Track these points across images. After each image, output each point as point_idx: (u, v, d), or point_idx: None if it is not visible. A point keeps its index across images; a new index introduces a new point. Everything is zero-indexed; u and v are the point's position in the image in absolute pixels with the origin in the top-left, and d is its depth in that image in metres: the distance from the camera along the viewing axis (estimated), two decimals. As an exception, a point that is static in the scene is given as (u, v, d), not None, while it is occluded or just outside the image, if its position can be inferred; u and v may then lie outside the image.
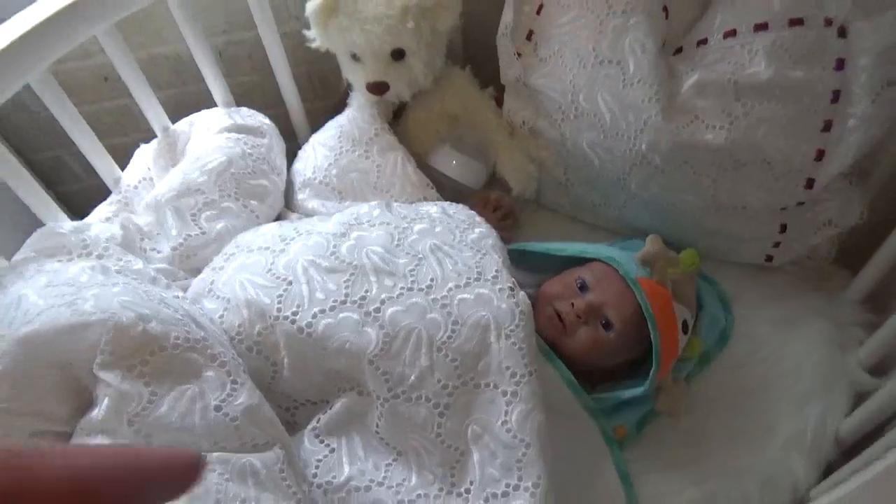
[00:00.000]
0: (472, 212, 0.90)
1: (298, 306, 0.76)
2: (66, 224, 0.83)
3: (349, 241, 0.81)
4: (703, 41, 0.91)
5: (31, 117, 1.22)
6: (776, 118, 0.85)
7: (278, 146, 1.05)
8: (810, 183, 0.88)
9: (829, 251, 1.01)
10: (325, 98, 1.31)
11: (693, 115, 0.89)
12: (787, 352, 0.95)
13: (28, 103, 1.20)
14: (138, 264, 0.77)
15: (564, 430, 0.83)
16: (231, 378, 0.67)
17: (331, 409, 0.76)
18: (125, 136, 1.22)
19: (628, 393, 0.87)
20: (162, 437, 0.61)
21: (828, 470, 0.86)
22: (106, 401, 0.61)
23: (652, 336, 0.83)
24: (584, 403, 0.85)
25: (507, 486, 0.70)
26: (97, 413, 0.61)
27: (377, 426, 0.75)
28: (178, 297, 0.75)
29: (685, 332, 0.90)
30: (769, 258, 1.01)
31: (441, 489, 0.72)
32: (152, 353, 0.63)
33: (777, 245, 0.98)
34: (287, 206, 1.05)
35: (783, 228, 0.96)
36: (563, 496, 0.76)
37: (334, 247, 0.80)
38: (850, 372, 0.91)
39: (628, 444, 0.88)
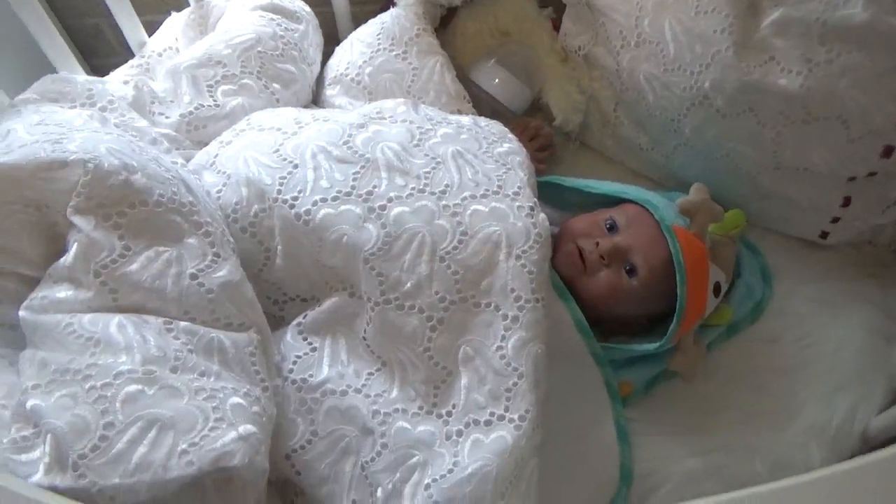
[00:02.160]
0: (505, 128, 0.83)
1: (300, 191, 0.70)
2: (80, 76, 0.79)
3: (366, 133, 0.75)
4: (795, -26, 0.80)
5: (73, -22, 1.19)
6: (863, 70, 0.75)
7: (314, 37, 0.99)
8: (888, 151, 0.78)
9: (894, 237, 0.91)
10: (376, 2, 1.23)
11: (768, 56, 0.79)
12: (825, 335, 0.87)
13: (72, -36, 1.17)
14: (142, 123, 0.72)
15: (566, 373, 0.77)
16: (214, 250, 0.62)
17: (319, 306, 0.71)
18: (166, 15, 1.17)
19: (642, 348, 0.80)
20: (129, 295, 0.57)
21: (848, 467, 0.79)
22: (75, 247, 0.57)
23: (679, 288, 0.76)
24: (592, 349, 0.79)
25: (492, 415, 0.64)
26: (65, 259, 0.57)
27: (365, 332, 0.70)
28: (175, 162, 0.71)
29: (716, 294, 0.83)
30: (824, 234, 0.91)
31: (421, 408, 0.67)
32: (132, 206, 0.59)
33: (836, 220, 0.89)
34: (315, 103, 1.00)
35: (846, 202, 0.86)
36: (553, 442, 0.71)
37: (349, 136, 0.74)
38: (893, 366, 0.83)
39: (633, 402, 0.83)
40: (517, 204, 0.70)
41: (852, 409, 0.81)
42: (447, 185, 0.71)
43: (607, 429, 0.78)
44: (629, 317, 0.85)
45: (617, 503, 0.74)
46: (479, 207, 0.70)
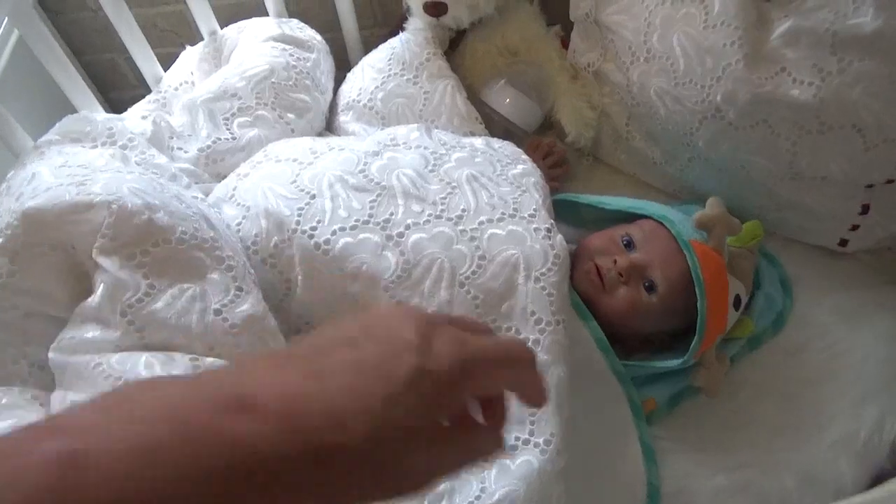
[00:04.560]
0: (519, 149, 0.83)
1: (318, 221, 0.71)
2: (100, 115, 0.81)
3: (381, 161, 0.75)
4: (804, -15, 0.80)
5: (89, 16, 1.21)
6: (876, 78, 0.75)
7: (326, 64, 1.00)
8: (906, 157, 0.78)
9: (914, 243, 0.91)
10: (385, 25, 1.24)
11: (780, 67, 0.79)
12: (849, 345, 0.86)
13: (87, 1, 1.19)
14: (161, 159, 0.74)
15: (589, 393, 0.77)
16: (237, 284, 0.63)
17: (342, 334, 0.72)
18: (180, 47, 1.20)
19: (664, 364, 0.80)
20: (156, 333, 0.58)
21: (878, 479, 0.78)
22: (101, 287, 0.58)
23: (699, 304, 0.76)
24: (614, 368, 0.78)
25: (517, 439, 0.64)
26: (92, 299, 0.58)
27: (387, 359, 0.70)
28: (195, 197, 0.72)
29: (736, 308, 0.82)
30: (843, 242, 0.91)
31: None
32: (155, 245, 0.60)
33: (855, 228, 0.88)
34: (328, 129, 1.01)
35: (865, 209, 0.86)
36: (578, 463, 0.71)
37: (364, 164, 0.75)
38: (920, 375, 0.82)
39: (657, 419, 0.82)
40: (534, 226, 0.71)
41: (880, 420, 0.80)
42: (463, 210, 0.71)
43: (633, 448, 0.77)
44: (650, 333, 0.84)
45: (645, 523, 0.74)
46: (497, 231, 0.70)
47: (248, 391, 0.29)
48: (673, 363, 0.79)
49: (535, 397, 0.38)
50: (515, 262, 0.68)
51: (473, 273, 0.68)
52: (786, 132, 0.81)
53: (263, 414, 0.29)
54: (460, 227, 0.70)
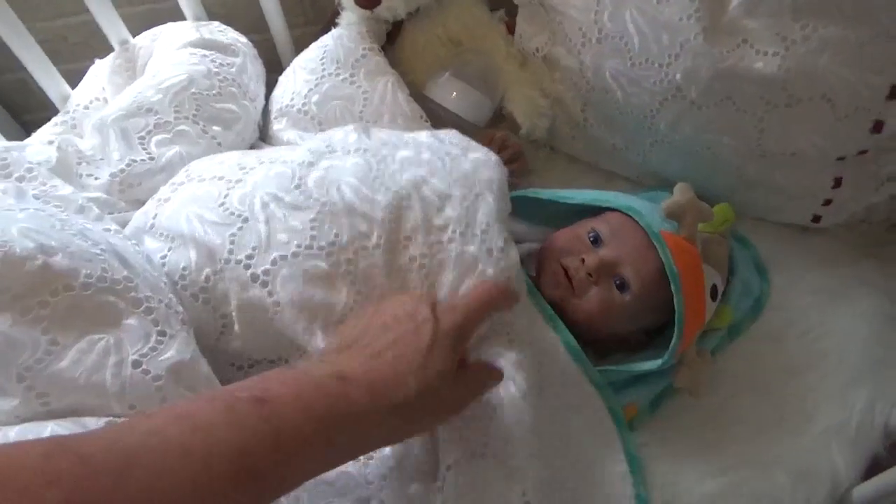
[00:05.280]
0: (468, 137, 0.76)
1: (254, 249, 0.63)
2: (-5, 143, 0.71)
3: (318, 172, 0.67)
4: (760, -51, 0.75)
5: (-11, 33, 1.10)
6: (843, 43, 0.70)
7: (254, 69, 0.91)
8: (878, 126, 0.73)
9: (889, 213, 0.87)
10: (317, 23, 1.16)
11: (741, 39, 0.74)
12: (831, 327, 0.82)
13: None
14: (66, 190, 0.64)
15: (565, 405, 0.72)
16: (158, 328, 0.54)
17: (288, 369, 0.64)
18: (93, 61, 1.09)
19: (643, 366, 0.74)
20: (62, 397, 0.50)
21: (874, 465, 0.74)
22: (-10, 350, 0.49)
23: (675, 300, 0.70)
24: (591, 377, 0.73)
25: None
26: (-19, 363, 0.50)
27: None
28: (108, 229, 0.63)
29: (714, 298, 0.77)
30: (817, 218, 0.87)
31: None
32: (54, 294, 0.51)
33: (828, 203, 0.84)
34: (262, 139, 0.92)
35: (837, 183, 0.81)
36: (560, 480, 0.66)
37: (300, 178, 0.66)
38: (906, 352, 0.78)
39: (639, 424, 0.77)
40: (486, 247, 0.63)
41: (870, 403, 0.76)
42: (413, 230, 0.64)
43: (618, 460, 0.72)
44: (626, 333, 0.79)
45: (637, 536, 0.68)
46: (444, 257, 0.63)
47: (345, 371, 0.48)
48: (652, 365, 0.73)
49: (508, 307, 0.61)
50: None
51: None
52: (752, 108, 0.76)
53: (357, 384, 0.47)
54: (409, 254, 0.63)
